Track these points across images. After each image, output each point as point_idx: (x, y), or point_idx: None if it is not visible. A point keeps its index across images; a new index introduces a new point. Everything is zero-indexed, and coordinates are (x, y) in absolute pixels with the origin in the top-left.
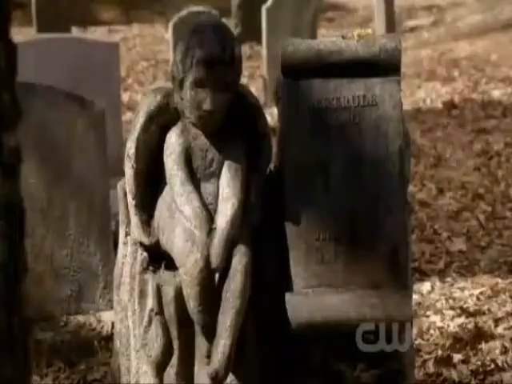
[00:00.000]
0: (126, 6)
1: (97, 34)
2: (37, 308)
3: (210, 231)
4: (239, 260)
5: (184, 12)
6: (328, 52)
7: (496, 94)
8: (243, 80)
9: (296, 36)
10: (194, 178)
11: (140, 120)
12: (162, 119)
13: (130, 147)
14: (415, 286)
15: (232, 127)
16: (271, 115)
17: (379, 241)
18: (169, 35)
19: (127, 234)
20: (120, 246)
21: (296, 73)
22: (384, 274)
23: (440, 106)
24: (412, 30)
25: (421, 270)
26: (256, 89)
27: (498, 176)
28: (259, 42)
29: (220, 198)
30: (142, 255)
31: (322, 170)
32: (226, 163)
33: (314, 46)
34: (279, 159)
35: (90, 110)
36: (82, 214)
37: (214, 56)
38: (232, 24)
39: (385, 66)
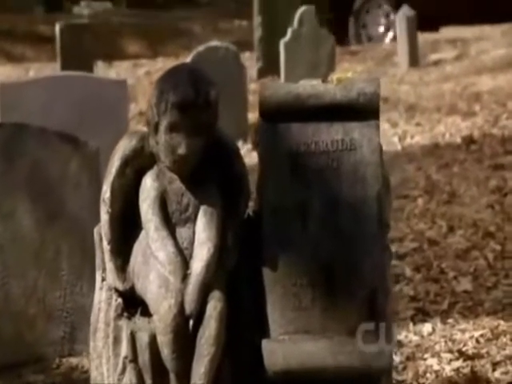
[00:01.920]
0: (153, 39)
1: (121, 68)
2: (29, 350)
3: (185, 277)
4: (214, 306)
5: (202, 47)
6: (307, 96)
7: None
8: None
9: (314, 69)
10: (170, 223)
11: (115, 164)
12: (138, 163)
13: (105, 191)
14: (416, 327)
15: (208, 171)
16: None
17: (357, 286)
18: None
19: (103, 280)
20: (96, 291)
21: (274, 116)
22: (361, 321)
23: (459, 140)
24: (435, 63)
25: (424, 310)
26: None
27: (510, 214)
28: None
29: (196, 242)
30: (116, 301)
31: (299, 213)
32: (202, 207)
33: (293, 89)
34: (258, 203)
35: (83, 150)
36: (74, 254)
37: (188, 100)
38: (254, 58)
39: (363, 110)
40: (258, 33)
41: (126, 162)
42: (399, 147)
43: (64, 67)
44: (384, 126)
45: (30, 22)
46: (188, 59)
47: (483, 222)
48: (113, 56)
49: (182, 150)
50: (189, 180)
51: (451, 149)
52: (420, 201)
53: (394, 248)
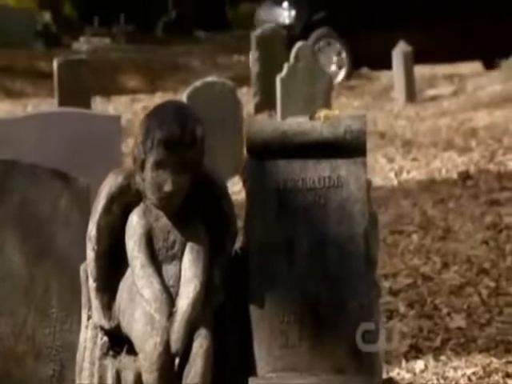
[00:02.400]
0: (152, 74)
1: (120, 102)
2: None
3: (171, 315)
4: (200, 344)
5: (199, 82)
6: (293, 133)
7: None
8: None
9: (310, 104)
10: (156, 260)
11: (101, 202)
12: (124, 200)
13: (91, 229)
14: (409, 364)
15: (195, 207)
16: None
17: (344, 324)
18: None
19: (89, 318)
20: (82, 329)
21: (262, 153)
22: (348, 359)
23: (455, 176)
24: (432, 98)
25: (417, 347)
26: None
27: (505, 250)
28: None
29: (182, 280)
30: (102, 340)
31: (286, 250)
32: (189, 244)
33: (280, 126)
34: (245, 239)
35: (73, 186)
36: (64, 291)
37: (174, 138)
38: (251, 93)
39: (350, 148)
40: (255, 68)
41: (112, 200)
42: (395, 182)
43: (61, 103)
44: (381, 161)
45: (30, 58)
46: (184, 94)
47: (478, 259)
48: (111, 91)
49: (168, 187)
50: (175, 217)
51: (447, 184)
52: (415, 236)
53: (388, 284)
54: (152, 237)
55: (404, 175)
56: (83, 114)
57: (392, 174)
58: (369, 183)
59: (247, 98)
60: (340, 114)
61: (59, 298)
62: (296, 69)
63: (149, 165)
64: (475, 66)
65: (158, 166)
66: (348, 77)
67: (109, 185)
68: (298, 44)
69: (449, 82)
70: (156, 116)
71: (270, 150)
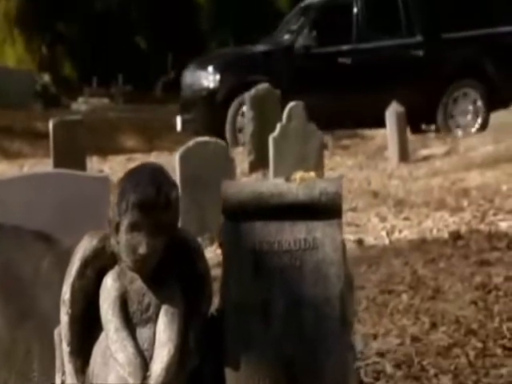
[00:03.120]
0: (149, 134)
1: (115, 162)
2: None
3: (145, 379)
4: None
5: (191, 142)
6: (269, 195)
7: (503, 225)
8: None
9: (302, 163)
10: (130, 323)
11: (75, 265)
12: (99, 263)
13: (65, 293)
14: None
15: (171, 270)
16: None
17: None
18: (176, 165)
19: (63, 382)
20: None
21: (237, 215)
22: None
23: (446, 236)
24: (425, 158)
25: None
26: None
27: (493, 311)
28: None
29: (156, 343)
30: None
31: (262, 312)
32: (164, 307)
33: (256, 188)
34: (221, 301)
35: (56, 248)
36: (45, 355)
37: (149, 200)
38: (245, 152)
39: (326, 210)
40: (249, 127)
41: (86, 263)
42: (387, 241)
43: (57, 163)
44: (373, 220)
45: (28, 119)
46: (177, 154)
47: (466, 319)
48: (108, 150)
49: (142, 250)
50: (150, 279)
51: (438, 244)
52: (404, 296)
53: (376, 344)
54: (126, 300)
55: (396, 234)
56: (70, 175)
57: (384, 233)
58: (344, 245)
59: (242, 157)
60: (316, 176)
61: (40, 362)
62: (288, 128)
63: (123, 227)
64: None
65: (133, 228)
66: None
67: (83, 248)
68: (291, 104)
69: (442, 142)
70: (131, 178)
71: (245, 212)
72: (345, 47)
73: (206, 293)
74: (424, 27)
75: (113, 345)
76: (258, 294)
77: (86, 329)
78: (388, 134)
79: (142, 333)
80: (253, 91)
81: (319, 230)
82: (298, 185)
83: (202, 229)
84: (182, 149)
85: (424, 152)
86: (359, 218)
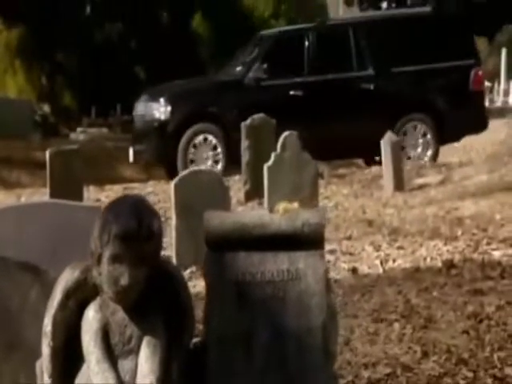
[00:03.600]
0: (147, 163)
1: (112, 191)
2: None
3: None
4: None
5: (185, 172)
6: (252, 226)
7: (496, 254)
8: None
9: (297, 193)
10: (112, 355)
11: (57, 297)
12: (81, 295)
13: (47, 325)
14: None
15: (153, 301)
16: None
17: None
18: (171, 194)
19: None
20: None
21: (221, 246)
22: None
23: (440, 264)
24: (420, 187)
25: None
26: None
27: (485, 340)
28: None
29: (138, 375)
30: None
31: (245, 343)
32: (146, 338)
33: (239, 219)
34: (204, 332)
35: (43, 278)
36: None
37: (131, 231)
38: (242, 181)
39: (308, 240)
40: (245, 157)
41: (68, 295)
42: (381, 270)
43: (53, 193)
44: (367, 248)
45: (27, 149)
46: (172, 183)
47: (457, 348)
48: (105, 180)
49: (124, 281)
50: (132, 311)
51: (432, 273)
52: (397, 325)
53: (367, 373)
54: (108, 331)
55: (390, 263)
56: (61, 205)
57: (378, 262)
58: (327, 276)
59: (239, 185)
60: (299, 207)
61: None
62: (282, 158)
63: (105, 259)
64: (463, 157)
65: (115, 259)
66: (224, 172)
67: (65, 279)
68: (285, 133)
69: (437, 171)
70: (113, 210)
71: (228, 243)
72: (296, 79)
73: (189, 324)
74: (375, 61)
75: (94, 377)
76: (241, 325)
77: (68, 361)
78: (383, 163)
79: (124, 364)
80: (248, 121)
81: (302, 261)
82: (280, 216)
83: (197, 258)
84: (176, 178)
85: (419, 181)
86: (354, 246)
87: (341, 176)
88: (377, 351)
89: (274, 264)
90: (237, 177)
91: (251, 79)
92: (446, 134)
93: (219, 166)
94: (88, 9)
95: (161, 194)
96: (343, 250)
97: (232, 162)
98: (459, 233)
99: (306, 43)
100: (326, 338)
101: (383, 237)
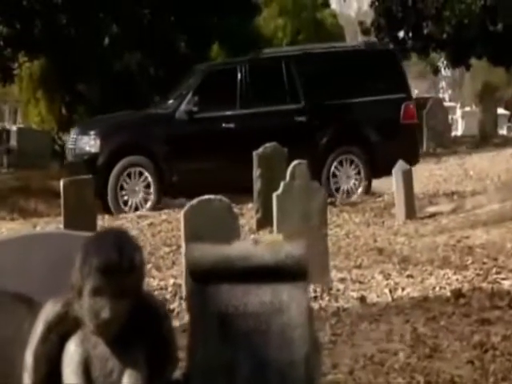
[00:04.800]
0: None
1: (127, 220)
2: None
3: None
4: None
5: (195, 200)
6: (236, 258)
7: (505, 283)
8: None
9: (306, 221)
10: None
11: (38, 331)
12: (62, 328)
13: (28, 358)
14: None
15: (135, 334)
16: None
17: None
18: (181, 223)
19: None
20: None
21: (204, 278)
22: None
23: (448, 294)
24: (432, 216)
25: None
26: None
27: (489, 370)
28: None
29: None
30: None
31: (227, 376)
32: (127, 372)
33: (222, 251)
34: (187, 364)
35: (37, 310)
36: None
37: (112, 264)
38: (254, 209)
39: (291, 273)
40: (257, 185)
41: (49, 328)
42: (390, 299)
43: (67, 222)
44: (377, 277)
45: (45, 178)
46: (182, 212)
47: (461, 379)
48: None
49: (105, 314)
50: (114, 343)
51: (440, 302)
52: (401, 355)
53: None
54: (89, 365)
55: (399, 292)
56: (65, 235)
57: (387, 291)
58: (311, 307)
59: (252, 213)
60: (283, 240)
61: None
62: (292, 187)
63: (86, 292)
64: (477, 185)
65: (95, 292)
66: (157, 203)
67: (46, 313)
68: (294, 162)
69: (449, 199)
70: (94, 243)
71: (212, 275)
72: (229, 112)
73: (171, 357)
74: (307, 94)
75: None
76: (224, 357)
77: None
78: (394, 191)
79: None
80: (260, 149)
81: (285, 293)
82: (264, 248)
83: None
84: (186, 207)
85: (431, 209)
86: (364, 275)
87: (353, 204)
88: (380, 381)
89: (258, 296)
90: (250, 205)
91: (182, 112)
92: (377, 166)
93: (150, 199)
94: (106, 39)
95: (174, 222)
96: (353, 278)
97: (164, 195)
98: (469, 262)
99: (239, 76)
100: (309, 371)
101: (393, 265)
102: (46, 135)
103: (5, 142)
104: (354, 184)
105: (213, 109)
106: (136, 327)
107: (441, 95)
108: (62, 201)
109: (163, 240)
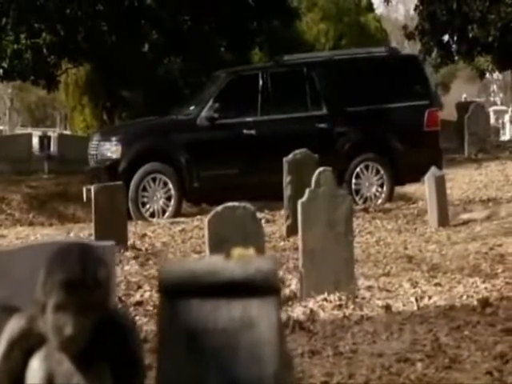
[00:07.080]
0: None
1: (159, 226)
2: None
3: None
4: None
5: (219, 208)
6: (205, 273)
7: None
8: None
9: (332, 228)
10: None
11: (1, 347)
12: (26, 344)
13: None
14: None
15: (100, 349)
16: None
17: None
18: (205, 230)
19: None
20: None
21: (174, 293)
22: None
23: (475, 303)
24: (465, 223)
25: None
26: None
27: (507, 382)
28: None
29: None
30: None
31: None
32: None
33: (192, 267)
34: (155, 380)
35: None
36: None
37: (75, 279)
38: (284, 216)
39: (261, 287)
40: (287, 191)
41: (12, 344)
42: (415, 308)
43: (98, 227)
44: (405, 285)
45: (83, 184)
46: (206, 219)
47: None
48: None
49: (68, 331)
50: (78, 360)
51: (466, 311)
52: (419, 365)
53: None
54: (53, 381)
55: (425, 300)
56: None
57: (413, 299)
58: (281, 323)
59: (283, 220)
60: (254, 254)
61: None
62: (317, 194)
63: (49, 307)
64: None
65: (58, 308)
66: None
67: (10, 329)
68: (319, 169)
69: (484, 206)
70: (57, 258)
71: (181, 290)
72: (250, 119)
73: (138, 373)
74: (329, 100)
75: None
76: (192, 373)
77: None
78: (427, 198)
79: None
80: (291, 156)
81: (255, 308)
82: (234, 262)
83: None
84: (211, 213)
85: (464, 216)
86: (391, 283)
87: (386, 210)
88: None
89: (227, 312)
90: (282, 211)
91: (203, 118)
92: (400, 174)
93: (171, 205)
94: (146, 46)
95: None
96: (380, 286)
97: (187, 201)
98: (500, 270)
99: (261, 82)
100: None
101: (422, 273)
102: (86, 141)
103: (46, 148)
104: (377, 191)
105: (234, 115)
106: (101, 343)
107: (491, 99)
108: (92, 207)
109: (193, 246)
